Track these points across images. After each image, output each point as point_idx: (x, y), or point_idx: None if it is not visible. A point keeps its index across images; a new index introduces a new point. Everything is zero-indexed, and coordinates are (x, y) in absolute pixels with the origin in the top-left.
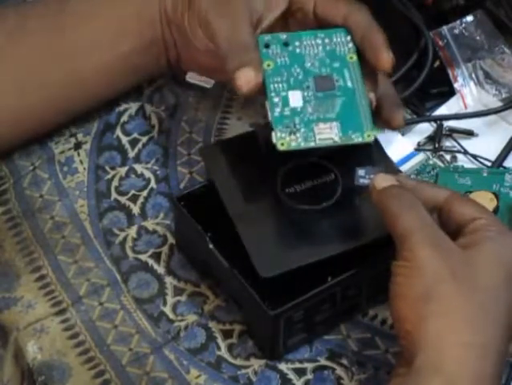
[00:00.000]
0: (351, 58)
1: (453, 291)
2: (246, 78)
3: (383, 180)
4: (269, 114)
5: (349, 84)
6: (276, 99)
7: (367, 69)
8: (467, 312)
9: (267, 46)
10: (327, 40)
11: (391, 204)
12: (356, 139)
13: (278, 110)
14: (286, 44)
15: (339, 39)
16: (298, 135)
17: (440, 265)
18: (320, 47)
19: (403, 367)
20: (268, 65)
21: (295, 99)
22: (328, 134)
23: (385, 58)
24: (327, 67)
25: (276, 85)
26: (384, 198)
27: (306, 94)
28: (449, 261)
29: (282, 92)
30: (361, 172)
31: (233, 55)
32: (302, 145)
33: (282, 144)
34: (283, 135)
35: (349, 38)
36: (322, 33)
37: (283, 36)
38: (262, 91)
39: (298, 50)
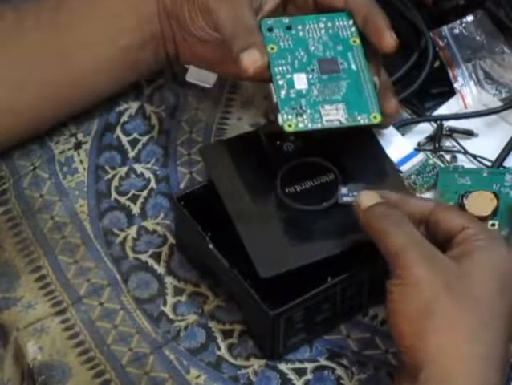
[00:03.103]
0: (354, 41)
1: (450, 305)
2: (252, 59)
3: (367, 199)
4: (274, 96)
5: (353, 67)
6: (281, 82)
7: (370, 53)
8: (466, 324)
9: (270, 29)
10: (329, 24)
11: (378, 223)
12: (362, 120)
13: (283, 92)
14: (288, 28)
15: (341, 23)
16: (304, 116)
17: (435, 280)
18: (323, 31)
19: (407, 382)
20: (272, 48)
21: (300, 81)
22: (335, 115)
23: (388, 39)
24: (331, 50)
25: (281, 68)
26: (371, 218)
27: (311, 76)
28: (443, 276)
29: (286, 75)
30: (344, 190)
31: (237, 38)
32: (310, 126)
33: (290, 126)
34: (290, 116)
35: (351, 22)
36: (324, 17)
37: (286, 20)
38: (266, 75)
39: (301, 34)
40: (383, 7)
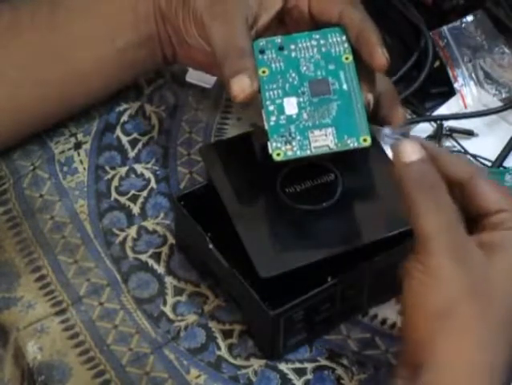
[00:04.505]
0: (346, 58)
1: (470, 310)
2: (242, 86)
3: (409, 151)
4: (265, 123)
5: (344, 87)
6: (271, 108)
7: (365, 68)
8: (482, 330)
9: (262, 51)
10: (322, 41)
11: (414, 190)
12: (352, 144)
13: (273, 118)
14: (281, 48)
15: (334, 39)
16: (293, 143)
17: (461, 278)
18: (315, 49)
19: (406, 370)
20: (263, 72)
21: (291, 106)
22: (323, 141)
23: (379, 56)
24: (323, 70)
25: (271, 92)
26: (408, 178)
27: (301, 100)
28: (469, 274)
29: (277, 100)
30: (387, 130)
31: (228, 61)
32: (298, 154)
33: (278, 155)
34: (279, 145)
35: (344, 37)
36: (317, 34)
37: (278, 40)
38: (256, 100)
39: (293, 54)
40: (383, 7)
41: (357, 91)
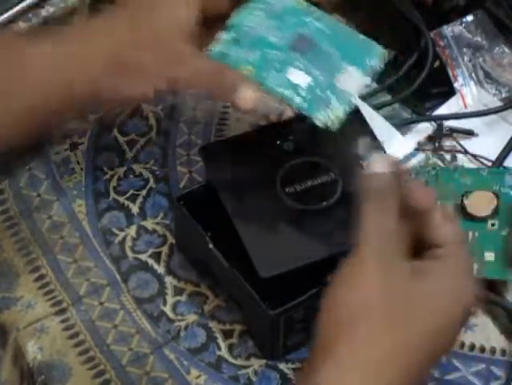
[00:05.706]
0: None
1: (376, 324)
2: (244, 97)
3: (380, 163)
4: (294, 108)
5: (319, 26)
6: (287, 92)
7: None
8: (384, 347)
9: (224, 56)
10: (263, 5)
11: (369, 196)
12: (379, 66)
13: (297, 99)
14: (237, 40)
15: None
16: (332, 103)
17: (378, 295)
18: (269, 15)
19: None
20: (250, 71)
21: (298, 77)
22: (355, 80)
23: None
24: (290, 28)
25: (271, 80)
26: (370, 184)
27: (300, 65)
28: (388, 295)
29: (283, 83)
30: (362, 142)
31: (219, 92)
32: (348, 109)
33: (332, 122)
34: (324, 113)
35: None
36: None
37: (228, 35)
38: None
39: (253, 34)
40: (383, 7)
41: (336, 25)
